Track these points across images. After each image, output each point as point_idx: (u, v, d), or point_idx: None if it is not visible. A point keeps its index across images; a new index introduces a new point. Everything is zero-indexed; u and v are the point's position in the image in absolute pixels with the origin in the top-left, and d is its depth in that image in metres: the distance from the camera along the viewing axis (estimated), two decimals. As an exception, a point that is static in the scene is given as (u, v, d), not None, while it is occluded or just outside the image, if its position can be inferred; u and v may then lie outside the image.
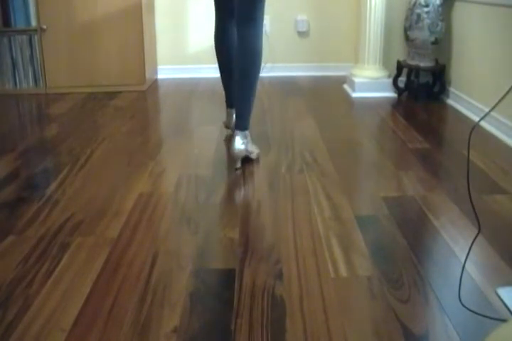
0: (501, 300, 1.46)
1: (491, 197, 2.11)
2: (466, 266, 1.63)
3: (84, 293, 1.50)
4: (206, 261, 1.66)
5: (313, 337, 1.32)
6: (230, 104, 2.72)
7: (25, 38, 3.77)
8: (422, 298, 1.47)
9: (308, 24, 4.26)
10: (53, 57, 3.80)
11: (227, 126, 2.80)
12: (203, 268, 1.62)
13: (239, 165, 2.40)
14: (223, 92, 2.73)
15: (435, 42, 3.51)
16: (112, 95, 3.79)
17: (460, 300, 1.45)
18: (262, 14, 2.31)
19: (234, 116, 2.55)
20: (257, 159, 2.52)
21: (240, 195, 2.15)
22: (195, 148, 2.69)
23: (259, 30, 2.30)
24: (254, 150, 2.49)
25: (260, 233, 1.84)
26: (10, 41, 3.76)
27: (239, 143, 2.36)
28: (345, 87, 3.93)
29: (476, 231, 1.83)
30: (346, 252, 1.71)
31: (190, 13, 4.20)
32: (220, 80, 2.71)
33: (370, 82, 3.71)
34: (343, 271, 1.61)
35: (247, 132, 2.40)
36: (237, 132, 2.38)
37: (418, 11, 3.47)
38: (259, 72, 2.36)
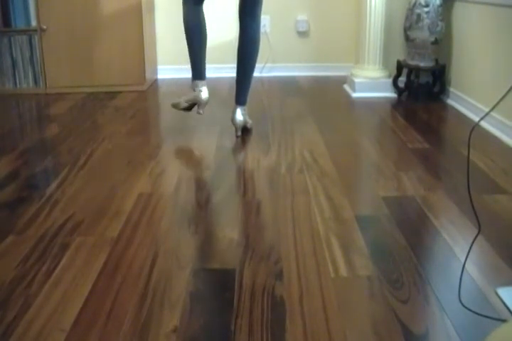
0: (501, 300, 1.46)
1: (491, 197, 2.11)
2: (466, 266, 1.63)
3: (84, 293, 1.50)
4: (206, 261, 1.66)
5: (313, 337, 1.32)
6: (200, 75, 2.84)
7: (25, 38, 3.76)
8: (422, 298, 1.47)
9: (308, 24, 4.26)
10: (53, 57, 3.80)
11: (201, 104, 2.86)
12: (203, 268, 1.62)
13: (239, 133, 2.85)
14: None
15: (435, 42, 3.51)
16: (112, 95, 3.79)
17: (460, 300, 1.45)
18: (261, 9, 2.84)
19: (204, 89, 2.83)
20: (258, 159, 2.53)
21: (239, 195, 2.15)
22: (195, 148, 2.69)
23: (260, 22, 2.86)
24: (249, 121, 2.96)
25: (260, 233, 1.84)
26: (10, 41, 3.76)
27: (239, 115, 2.84)
28: (346, 87, 3.93)
29: (476, 231, 1.83)
30: (346, 252, 1.71)
31: (190, 13, 4.19)
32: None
33: (370, 82, 3.71)
34: (343, 270, 1.61)
35: (245, 106, 2.89)
36: (238, 106, 2.85)
37: (418, 11, 3.47)
38: (257, 57, 2.91)
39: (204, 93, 2.85)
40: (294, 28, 4.28)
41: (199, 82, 2.85)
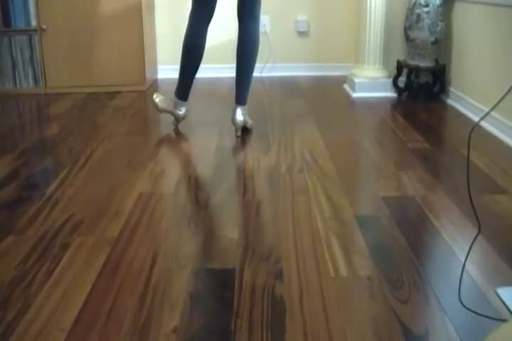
0: (501, 300, 1.46)
1: (491, 197, 2.11)
2: (466, 265, 1.63)
3: (84, 293, 1.50)
4: (206, 261, 1.66)
5: (313, 337, 1.32)
6: (185, 96, 2.95)
7: (25, 38, 3.76)
8: (422, 298, 1.47)
9: (308, 24, 4.26)
10: (53, 57, 3.80)
11: (178, 120, 3.01)
12: (203, 268, 1.62)
13: (239, 133, 2.85)
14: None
15: (435, 42, 3.51)
16: (112, 95, 3.79)
17: (460, 300, 1.45)
18: (260, 8, 2.84)
19: (184, 109, 2.96)
20: (258, 159, 2.53)
21: (239, 195, 2.15)
22: (195, 148, 2.69)
23: (259, 22, 2.88)
24: (249, 121, 2.96)
25: (260, 233, 1.84)
26: (10, 41, 3.76)
27: (239, 115, 2.83)
28: (346, 87, 3.93)
29: (476, 231, 1.83)
30: (346, 252, 1.71)
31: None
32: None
33: (370, 82, 3.71)
34: (343, 270, 1.61)
35: (245, 106, 2.88)
36: (238, 106, 2.85)
37: (418, 11, 3.47)
38: (257, 57, 2.91)
39: (183, 113, 2.97)
40: (294, 28, 4.28)
41: (182, 103, 2.95)
